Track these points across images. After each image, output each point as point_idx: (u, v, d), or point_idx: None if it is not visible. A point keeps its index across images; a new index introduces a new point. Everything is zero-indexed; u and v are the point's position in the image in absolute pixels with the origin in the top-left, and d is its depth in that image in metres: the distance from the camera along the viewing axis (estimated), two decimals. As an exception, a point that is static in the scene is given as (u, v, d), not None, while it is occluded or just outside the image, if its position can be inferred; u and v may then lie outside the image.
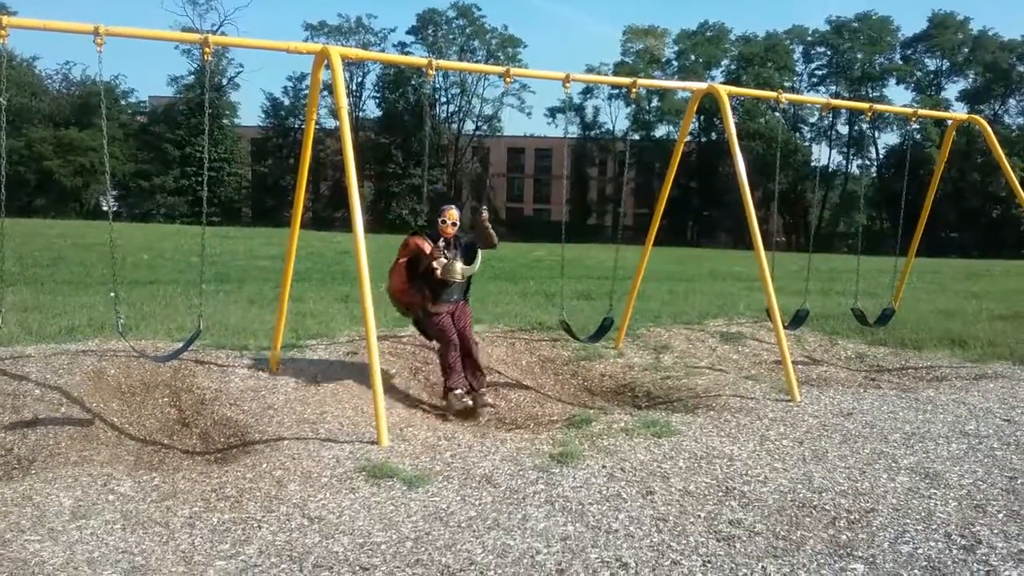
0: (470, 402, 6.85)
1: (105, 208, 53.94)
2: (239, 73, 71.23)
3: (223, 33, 56.74)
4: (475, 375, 7.03)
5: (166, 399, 6.57)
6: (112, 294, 7.21)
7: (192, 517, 4.21)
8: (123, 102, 64.09)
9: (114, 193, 53.40)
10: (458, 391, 6.81)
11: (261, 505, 4.37)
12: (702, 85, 8.31)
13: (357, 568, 3.65)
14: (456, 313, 7.02)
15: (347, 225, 6.53)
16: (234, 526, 4.10)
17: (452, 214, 7.00)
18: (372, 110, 71.81)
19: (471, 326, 7.19)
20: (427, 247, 6.81)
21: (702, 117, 63.66)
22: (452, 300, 7.02)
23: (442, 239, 6.92)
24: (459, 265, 6.91)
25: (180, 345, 6.69)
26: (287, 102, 69.78)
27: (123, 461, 5.41)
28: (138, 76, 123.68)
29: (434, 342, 7.20)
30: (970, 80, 67.86)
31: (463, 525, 4.14)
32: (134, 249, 20.31)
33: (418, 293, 6.90)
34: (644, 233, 9.17)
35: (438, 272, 6.80)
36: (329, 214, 63.20)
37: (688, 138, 9.67)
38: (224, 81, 63.67)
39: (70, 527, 4.02)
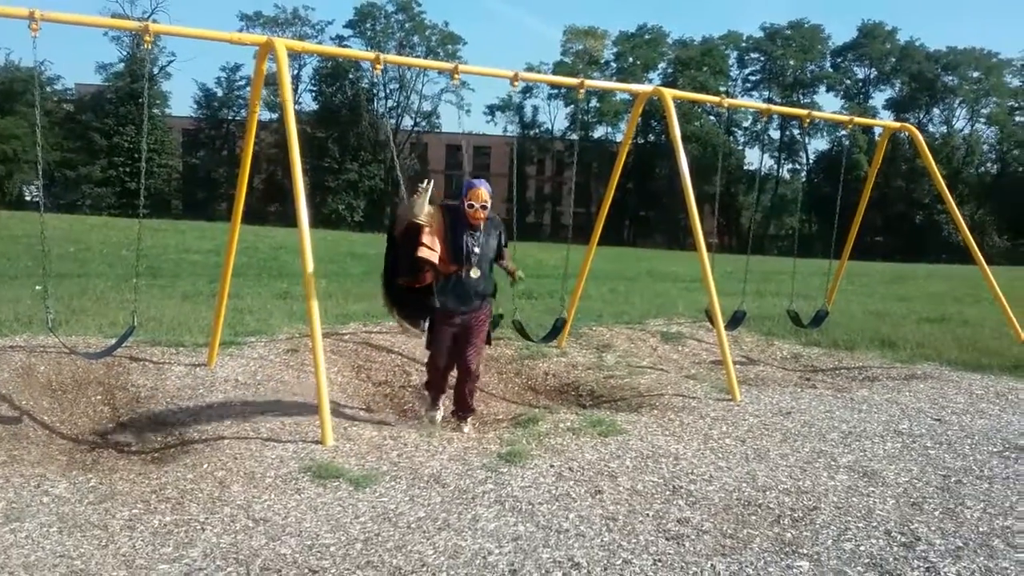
0: (440, 424, 6.16)
1: (28, 198, 51.95)
2: (171, 62, 69.40)
3: (155, 20, 55.16)
4: (464, 403, 6.15)
5: (99, 397, 6.37)
6: (39, 287, 6.95)
7: (132, 519, 4.07)
8: (48, 89, 61.73)
9: (40, 183, 51.41)
10: (436, 412, 6.22)
11: (204, 507, 4.25)
12: (648, 88, 8.39)
13: (306, 571, 3.58)
14: (473, 328, 5.85)
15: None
16: (176, 528, 3.97)
17: (482, 193, 5.61)
18: (308, 103, 70.77)
19: (480, 350, 6.03)
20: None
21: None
22: (466, 307, 5.75)
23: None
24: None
25: (113, 341, 6.50)
26: (220, 93, 68.34)
27: (55, 461, 5.22)
28: (64, 62, 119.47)
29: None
30: (896, 89, 70.03)
31: (413, 526, 4.09)
32: (60, 241, 19.64)
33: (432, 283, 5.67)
34: (583, 232, 9.21)
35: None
36: (263, 208, 62.01)
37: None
38: (156, 70, 61.96)
39: (3, 530, 3.85)
